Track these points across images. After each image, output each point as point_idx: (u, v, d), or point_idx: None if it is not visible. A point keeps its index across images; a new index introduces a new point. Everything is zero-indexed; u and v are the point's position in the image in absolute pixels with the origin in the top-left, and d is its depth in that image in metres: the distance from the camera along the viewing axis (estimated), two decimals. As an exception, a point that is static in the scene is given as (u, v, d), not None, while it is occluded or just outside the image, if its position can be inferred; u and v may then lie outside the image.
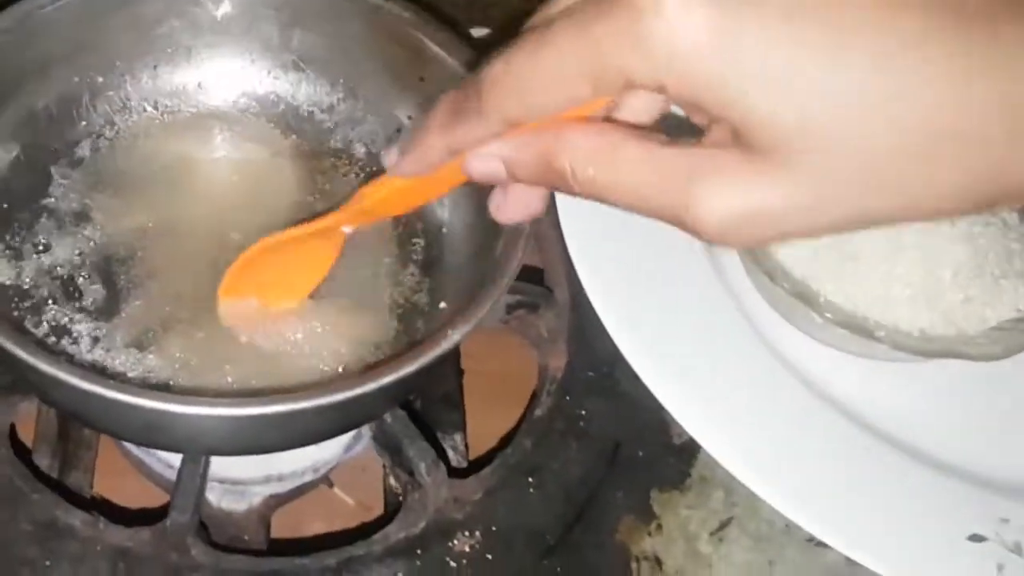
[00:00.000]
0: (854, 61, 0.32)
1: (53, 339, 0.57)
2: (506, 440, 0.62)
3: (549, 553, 0.57)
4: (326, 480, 0.69)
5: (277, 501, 0.64)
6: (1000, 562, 0.55)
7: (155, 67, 0.66)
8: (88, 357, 0.57)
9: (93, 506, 0.56)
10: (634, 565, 0.57)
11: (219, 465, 0.58)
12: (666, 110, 0.41)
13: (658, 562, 0.57)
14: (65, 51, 0.63)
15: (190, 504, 0.55)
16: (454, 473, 0.59)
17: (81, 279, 0.59)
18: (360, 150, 0.66)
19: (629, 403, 0.62)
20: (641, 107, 0.40)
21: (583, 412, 0.62)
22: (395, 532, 0.57)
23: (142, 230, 0.62)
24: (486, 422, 0.65)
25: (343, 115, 0.67)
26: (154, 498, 0.64)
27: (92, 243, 0.60)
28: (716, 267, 0.63)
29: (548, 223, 0.64)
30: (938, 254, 0.59)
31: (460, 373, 0.70)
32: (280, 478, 0.63)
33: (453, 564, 0.56)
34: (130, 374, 0.56)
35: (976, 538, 0.55)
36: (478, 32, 0.76)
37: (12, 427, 0.60)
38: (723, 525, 0.59)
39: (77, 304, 0.58)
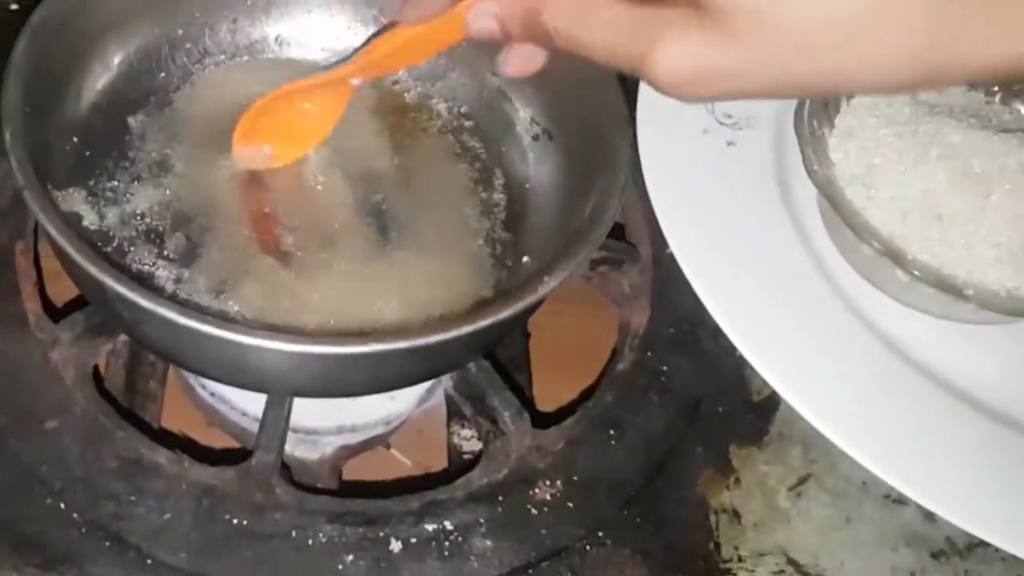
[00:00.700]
0: None
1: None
2: (587, 393, 0.62)
3: (629, 503, 0.57)
4: (384, 442, 0.70)
5: (348, 452, 0.65)
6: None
7: (234, 20, 0.67)
8: (170, 300, 0.57)
9: (177, 445, 0.56)
10: (713, 518, 0.57)
11: (295, 414, 0.59)
12: None
13: (736, 515, 0.58)
14: (146, 4, 0.64)
15: (275, 445, 0.56)
16: (537, 424, 0.59)
17: (161, 226, 0.59)
18: (440, 106, 0.67)
19: (710, 360, 0.62)
20: None
21: (664, 368, 0.62)
22: (477, 478, 0.57)
23: (220, 179, 0.62)
24: (563, 378, 0.66)
25: (423, 70, 0.67)
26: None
27: (171, 191, 0.61)
28: (798, 228, 0.63)
29: (631, 180, 0.64)
30: (1024, 216, 0.59)
31: (527, 336, 0.70)
32: (353, 429, 0.64)
33: (534, 511, 0.56)
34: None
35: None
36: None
37: (95, 368, 0.60)
38: (801, 481, 0.59)
39: (158, 250, 0.58)
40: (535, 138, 0.64)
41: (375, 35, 0.64)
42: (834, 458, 0.59)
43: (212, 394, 0.63)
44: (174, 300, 0.57)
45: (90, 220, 0.58)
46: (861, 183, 0.61)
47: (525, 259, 0.60)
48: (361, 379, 0.54)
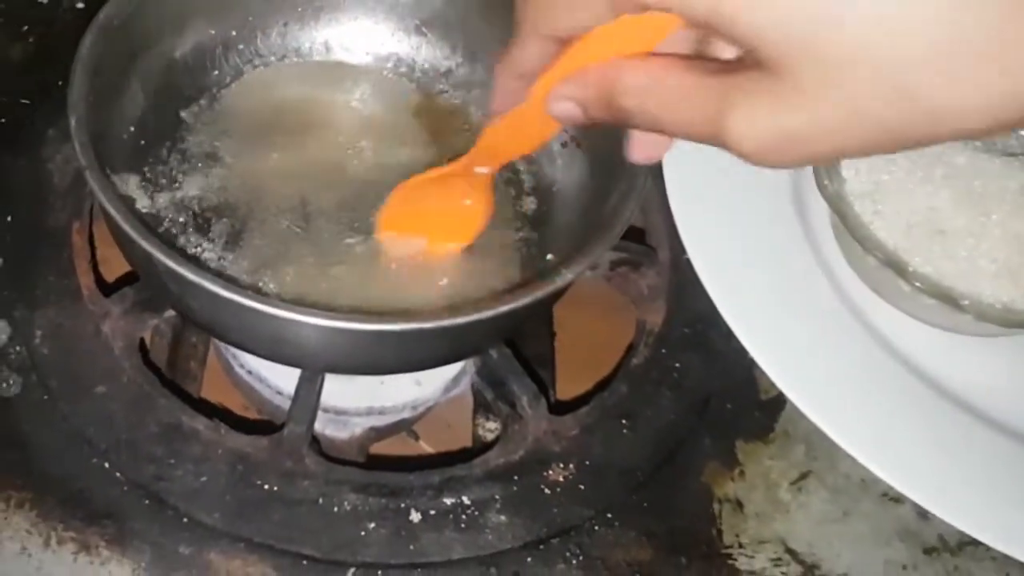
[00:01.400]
0: None
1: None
2: (603, 385, 0.65)
3: (638, 489, 0.60)
4: (412, 433, 0.73)
5: (375, 435, 0.68)
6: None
7: (285, 24, 0.70)
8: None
9: (215, 414, 0.60)
10: (716, 506, 0.60)
11: (327, 394, 0.62)
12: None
13: (739, 505, 0.60)
14: (203, 6, 0.67)
15: (306, 417, 0.59)
16: (553, 410, 0.63)
17: (208, 212, 0.63)
18: (475, 113, 0.70)
19: (721, 360, 0.65)
20: (695, 36, 0.41)
21: (677, 365, 0.65)
22: (495, 458, 0.60)
23: (266, 172, 0.66)
24: (582, 371, 0.69)
25: (461, 78, 0.70)
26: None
27: (218, 180, 0.64)
28: (810, 238, 0.66)
29: (653, 187, 0.67)
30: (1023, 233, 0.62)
31: (552, 335, 0.73)
32: (382, 411, 0.67)
33: (547, 491, 0.59)
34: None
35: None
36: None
37: (142, 341, 0.64)
38: (802, 476, 0.62)
39: (204, 233, 0.62)
40: (564, 145, 0.66)
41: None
42: (835, 456, 0.61)
43: (249, 372, 0.67)
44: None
45: (143, 203, 0.62)
46: (869, 199, 0.64)
47: (549, 256, 0.63)
48: (389, 357, 0.57)
